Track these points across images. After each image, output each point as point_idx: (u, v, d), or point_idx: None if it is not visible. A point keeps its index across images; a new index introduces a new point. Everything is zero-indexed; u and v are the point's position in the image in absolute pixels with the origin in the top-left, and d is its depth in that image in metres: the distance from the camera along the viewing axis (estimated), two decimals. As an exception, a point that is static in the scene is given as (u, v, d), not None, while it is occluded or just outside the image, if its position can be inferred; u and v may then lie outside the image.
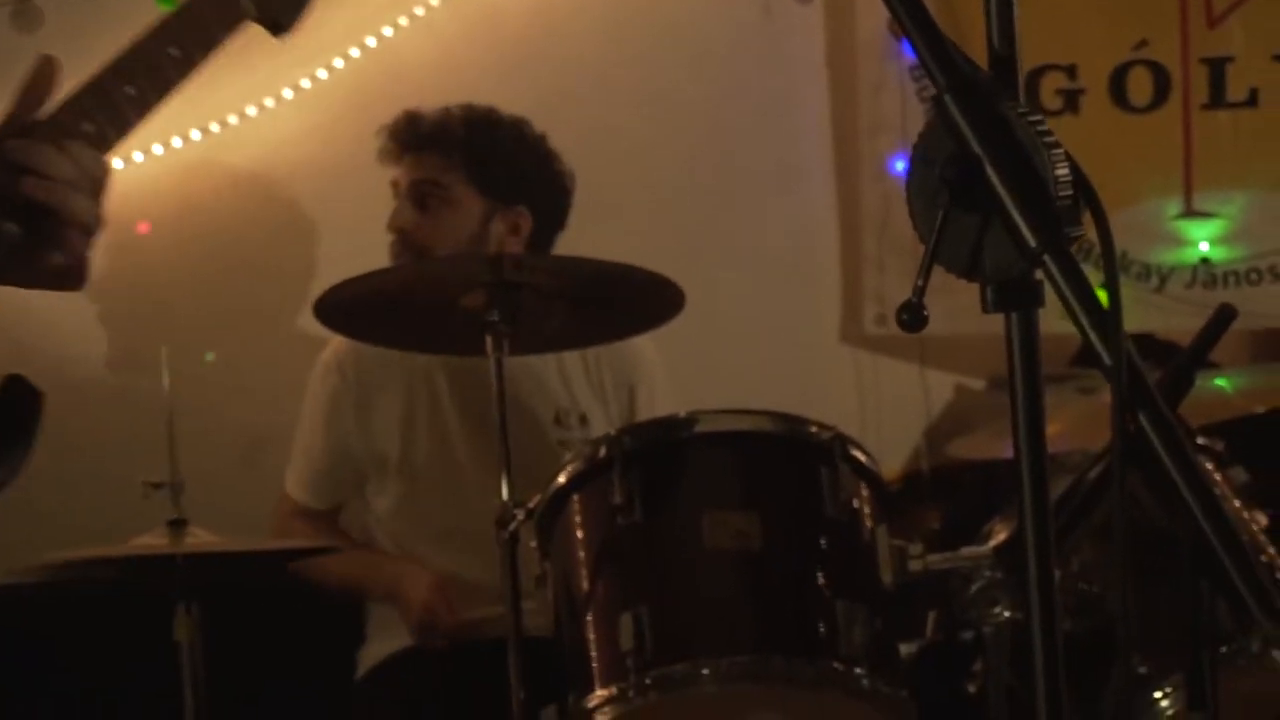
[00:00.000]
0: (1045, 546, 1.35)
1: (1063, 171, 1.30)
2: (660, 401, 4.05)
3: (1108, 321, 1.22)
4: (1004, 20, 1.39)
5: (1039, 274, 1.30)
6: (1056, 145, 1.31)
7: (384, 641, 3.92)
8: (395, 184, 3.87)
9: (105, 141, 1.77)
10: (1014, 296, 1.33)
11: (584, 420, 4.00)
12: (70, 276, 1.75)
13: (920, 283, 1.34)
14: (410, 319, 3.43)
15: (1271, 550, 3.07)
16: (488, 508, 3.23)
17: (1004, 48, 1.37)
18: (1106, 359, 1.22)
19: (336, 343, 3.89)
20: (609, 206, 4.67)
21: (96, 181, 1.72)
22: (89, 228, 1.72)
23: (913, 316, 1.34)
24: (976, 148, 1.30)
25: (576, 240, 3.97)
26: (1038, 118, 1.32)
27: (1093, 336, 1.24)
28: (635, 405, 4.02)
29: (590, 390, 4.03)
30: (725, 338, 4.82)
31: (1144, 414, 1.20)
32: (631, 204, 4.90)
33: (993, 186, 1.29)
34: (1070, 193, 1.30)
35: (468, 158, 3.83)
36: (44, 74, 1.75)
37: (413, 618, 3.77)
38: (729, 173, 5.14)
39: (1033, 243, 1.28)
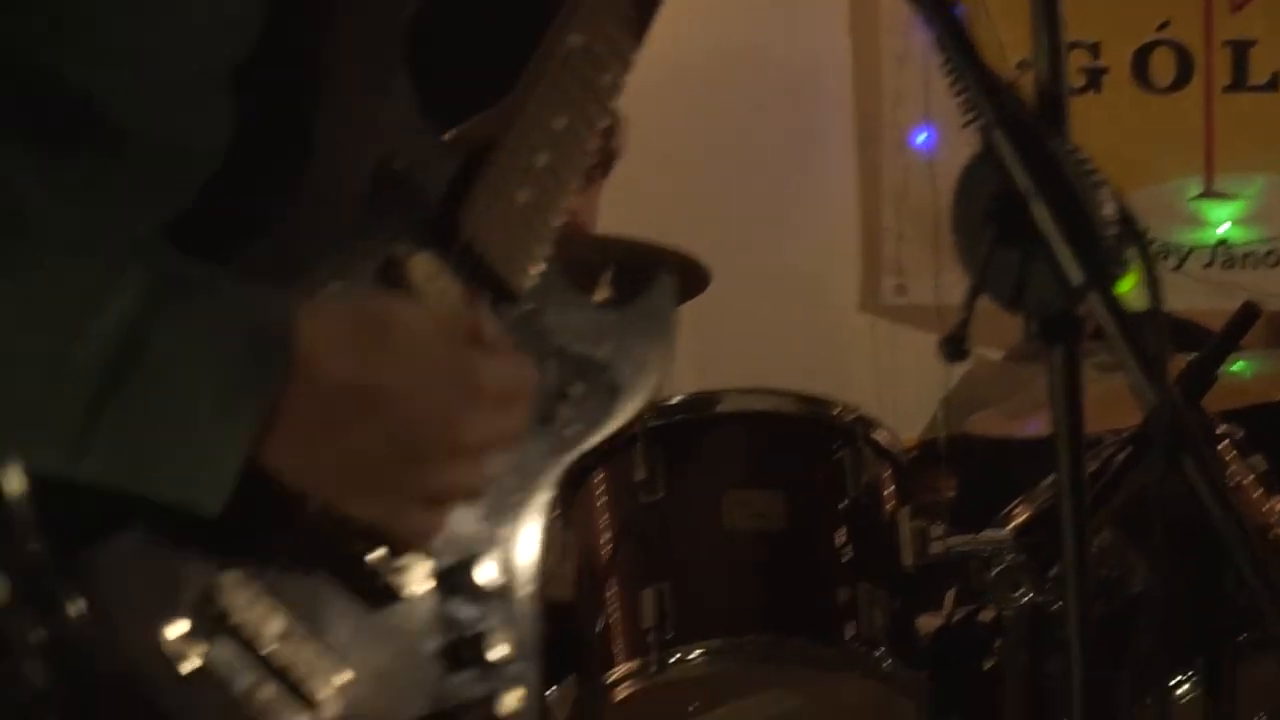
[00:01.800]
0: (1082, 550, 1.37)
1: (1109, 209, 1.32)
2: (680, 356, 4.06)
3: (1152, 364, 1.24)
4: (1053, 50, 1.41)
5: (1082, 310, 1.32)
6: (1103, 183, 1.33)
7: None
8: None
9: None
10: (1057, 330, 1.35)
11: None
12: None
13: (965, 315, 1.36)
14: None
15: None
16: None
17: (1051, 84, 1.39)
18: (1151, 398, 1.24)
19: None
20: (628, 175, 4.66)
21: None
22: None
23: (954, 349, 1.37)
24: (1023, 183, 1.32)
25: (605, 212, 3.98)
26: (1084, 156, 1.34)
27: (1137, 376, 1.26)
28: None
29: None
30: (744, 306, 4.82)
31: (1187, 460, 1.23)
32: (652, 173, 4.89)
33: (1039, 222, 1.31)
34: (1116, 231, 1.32)
35: None
36: None
37: None
38: (750, 142, 5.14)
39: (1078, 279, 1.30)
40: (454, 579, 1.49)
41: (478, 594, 1.51)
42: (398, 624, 1.44)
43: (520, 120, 1.59)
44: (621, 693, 2.92)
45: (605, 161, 3.88)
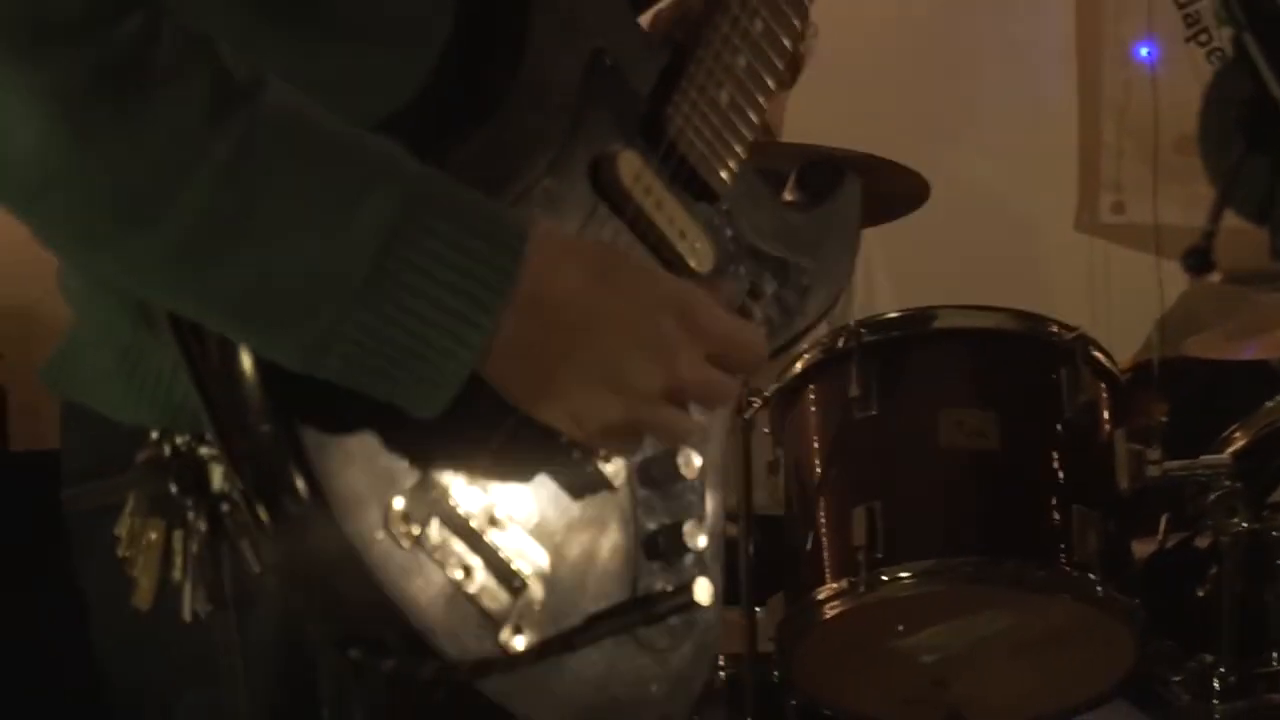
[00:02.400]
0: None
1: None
2: (876, 268, 4.03)
3: None
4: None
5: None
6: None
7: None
8: None
9: None
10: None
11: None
12: None
13: (1210, 227, 1.32)
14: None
15: None
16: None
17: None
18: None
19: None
20: (840, 86, 4.63)
21: None
22: None
23: (1199, 262, 1.32)
24: (1277, 91, 1.27)
25: (812, 120, 3.95)
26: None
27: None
28: (854, 274, 4.01)
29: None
30: (956, 222, 4.75)
31: None
32: (867, 83, 4.86)
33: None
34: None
35: None
36: None
37: None
38: (966, 55, 5.07)
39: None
40: (656, 468, 1.52)
41: (680, 484, 1.54)
42: (599, 511, 1.48)
43: (722, 21, 1.61)
44: (830, 610, 2.90)
45: (792, 68, 3.88)
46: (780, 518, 3.11)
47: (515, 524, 1.40)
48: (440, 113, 1.43)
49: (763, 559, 3.11)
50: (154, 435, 1.41)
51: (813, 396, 3.09)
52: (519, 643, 1.38)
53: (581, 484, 1.46)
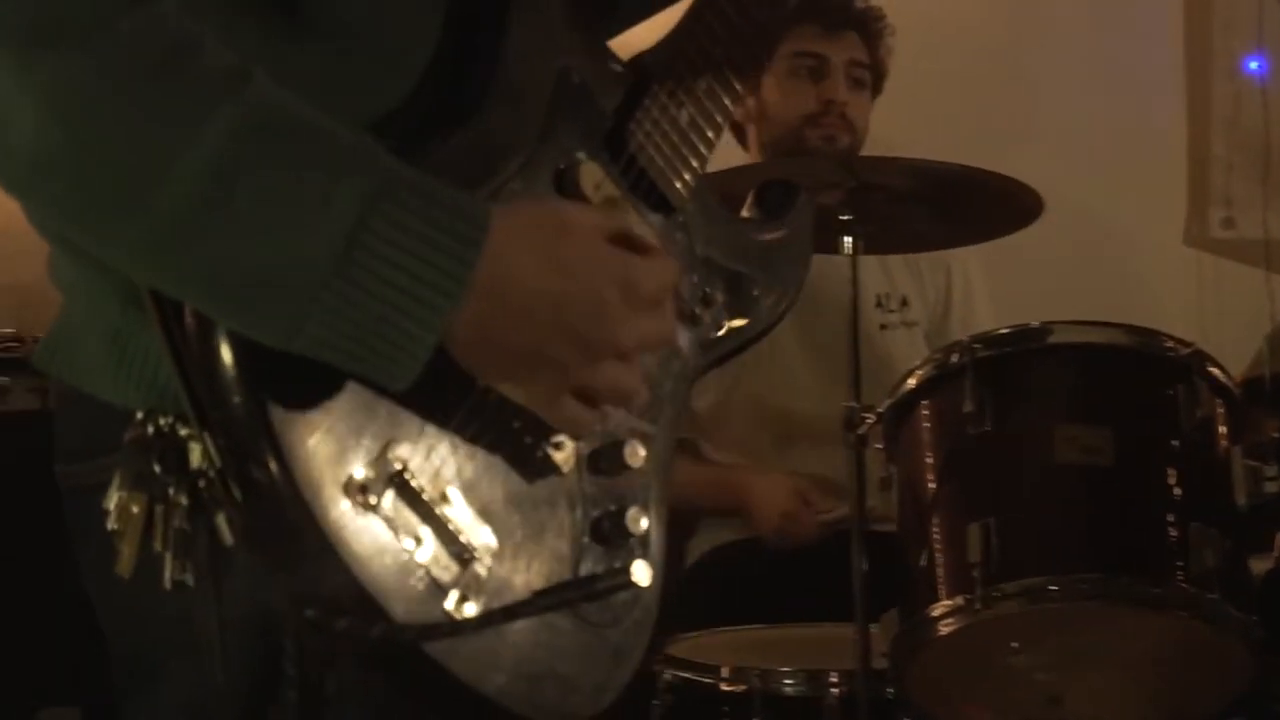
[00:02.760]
0: None
1: None
2: (976, 282, 4.03)
3: None
4: None
5: None
6: None
7: (713, 533, 3.95)
8: (812, 56, 3.92)
9: None
10: None
11: (905, 303, 4.01)
12: None
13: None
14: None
15: None
16: (818, 403, 3.22)
17: None
18: None
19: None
20: (946, 101, 4.62)
21: None
22: None
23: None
24: None
25: (921, 135, 3.94)
26: None
27: None
28: (951, 285, 4.02)
29: (908, 272, 4.03)
30: (1065, 237, 4.73)
31: None
32: (974, 99, 4.84)
33: None
34: None
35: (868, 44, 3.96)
36: None
37: (771, 526, 3.78)
38: (1073, 68, 5.05)
39: None
40: (604, 458, 1.63)
41: (626, 473, 1.65)
42: (547, 495, 1.59)
43: (685, 45, 1.77)
44: (945, 627, 2.89)
45: (877, 78, 3.91)
46: (893, 534, 3.11)
47: (468, 500, 1.50)
48: (426, 113, 1.56)
49: (876, 575, 3.10)
50: (139, 415, 1.51)
51: (926, 412, 3.08)
52: (466, 610, 1.49)
53: (533, 468, 1.57)
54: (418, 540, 1.46)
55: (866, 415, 3.14)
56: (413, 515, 1.46)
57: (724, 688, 3.21)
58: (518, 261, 1.44)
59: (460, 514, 1.50)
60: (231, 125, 1.33)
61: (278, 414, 1.39)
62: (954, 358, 3.03)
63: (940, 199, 3.31)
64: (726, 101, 1.79)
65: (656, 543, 1.71)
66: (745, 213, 1.95)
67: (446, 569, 1.48)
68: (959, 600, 2.87)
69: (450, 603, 1.48)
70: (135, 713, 1.68)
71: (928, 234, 3.49)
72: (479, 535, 1.51)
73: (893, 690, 3.08)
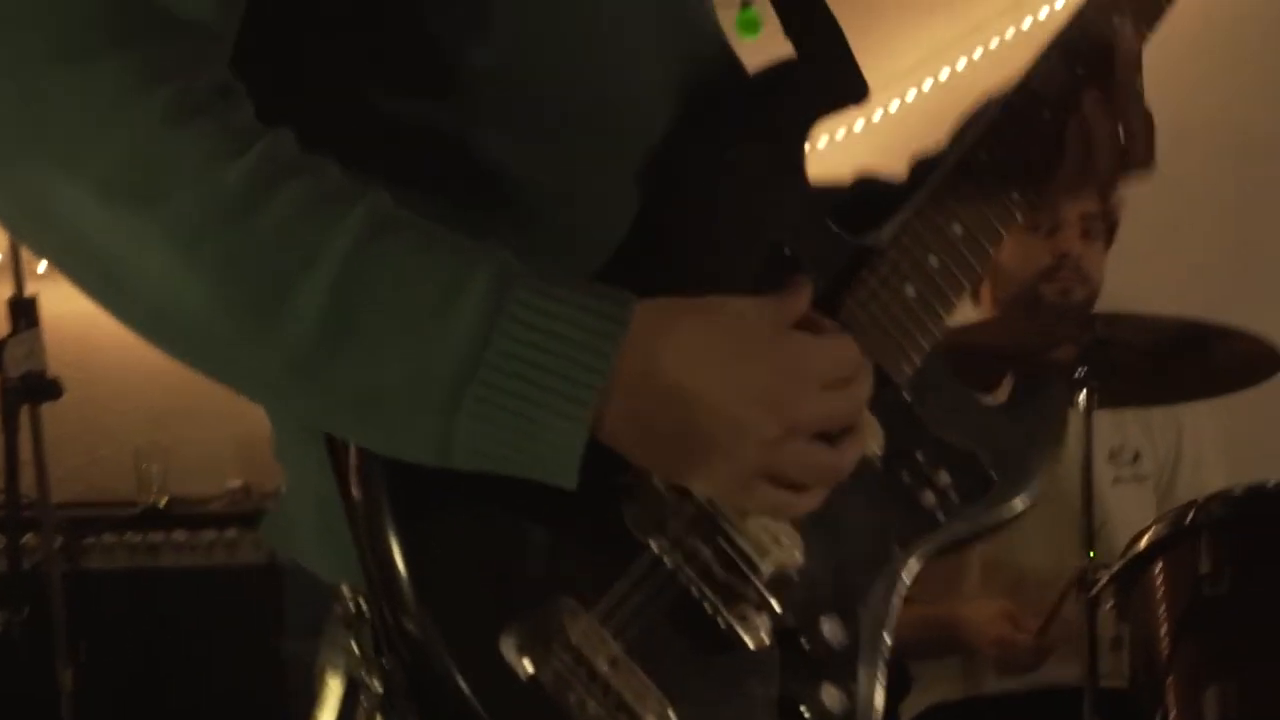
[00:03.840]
0: None
1: None
2: (1207, 441, 3.96)
3: None
4: None
5: None
6: None
7: (929, 692, 3.90)
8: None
9: None
10: None
11: (1137, 457, 3.94)
12: None
13: None
14: (998, 370, 3.41)
15: None
16: (1048, 558, 3.20)
17: None
18: None
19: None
20: (1182, 250, 4.58)
21: None
22: None
23: None
24: None
25: (1154, 288, 3.91)
26: None
27: None
28: (1182, 443, 3.94)
29: (1140, 427, 3.96)
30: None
31: None
32: (1207, 250, 4.80)
33: None
34: None
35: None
36: None
37: (990, 654, 3.72)
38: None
39: None
40: (797, 632, 1.51)
41: (821, 649, 1.53)
42: (730, 667, 1.47)
43: (915, 221, 1.65)
44: (1185, 793, 2.84)
45: (1109, 228, 3.87)
46: (1124, 691, 3.07)
47: (639, 667, 1.40)
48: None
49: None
50: (346, 591, 1.45)
51: (1160, 572, 3.04)
52: None
53: (715, 636, 1.45)
54: (584, 707, 1.37)
55: (1099, 574, 3.10)
56: (579, 681, 1.37)
57: None
58: (670, 341, 1.35)
59: (630, 683, 1.40)
60: (351, 240, 1.27)
61: (425, 558, 1.35)
62: (1189, 517, 2.99)
63: (1176, 354, 3.28)
64: (959, 280, 1.66)
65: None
66: (997, 397, 1.80)
67: None
68: (1200, 763, 2.82)
69: None
70: None
71: (1162, 388, 3.45)
72: (649, 707, 1.40)
73: None
